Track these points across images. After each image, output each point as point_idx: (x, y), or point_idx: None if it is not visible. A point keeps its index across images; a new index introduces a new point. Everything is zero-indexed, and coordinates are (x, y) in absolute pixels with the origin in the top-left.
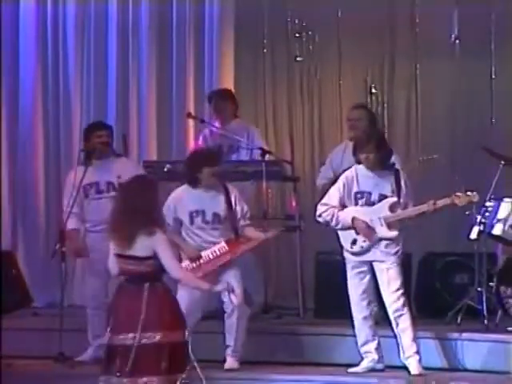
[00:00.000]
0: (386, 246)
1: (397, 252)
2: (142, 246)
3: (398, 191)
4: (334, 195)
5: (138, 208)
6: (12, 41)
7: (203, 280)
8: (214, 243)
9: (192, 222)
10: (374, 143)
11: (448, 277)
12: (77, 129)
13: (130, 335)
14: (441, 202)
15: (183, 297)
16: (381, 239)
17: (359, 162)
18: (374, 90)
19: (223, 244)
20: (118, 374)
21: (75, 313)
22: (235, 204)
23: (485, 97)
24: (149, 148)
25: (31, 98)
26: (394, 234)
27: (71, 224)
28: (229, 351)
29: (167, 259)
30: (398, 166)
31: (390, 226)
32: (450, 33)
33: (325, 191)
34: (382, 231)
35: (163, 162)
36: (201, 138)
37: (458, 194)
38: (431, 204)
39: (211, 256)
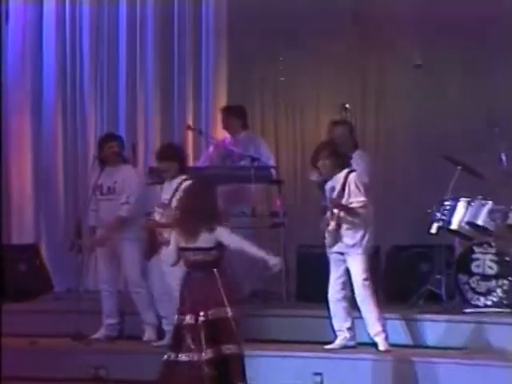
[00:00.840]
0: (347, 239)
1: (356, 244)
2: (205, 239)
3: (342, 191)
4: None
5: (200, 207)
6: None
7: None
8: None
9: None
10: (328, 151)
11: (412, 266)
12: (91, 137)
13: (210, 312)
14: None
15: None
16: (334, 233)
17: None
18: (347, 106)
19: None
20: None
21: (90, 297)
22: None
23: (446, 110)
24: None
25: (53, 111)
26: (333, 226)
27: (91, 221)
28: None
29: (234, 242)
30: (362, 164)
31: (334, 221)
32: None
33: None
34: (331, 226)
35: None
36: (204, 156)
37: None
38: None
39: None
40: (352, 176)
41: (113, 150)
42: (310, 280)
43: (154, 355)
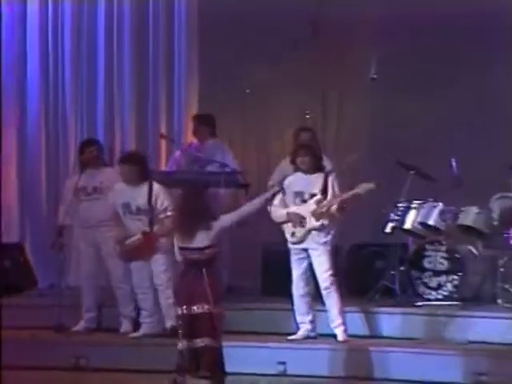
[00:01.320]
0: (317, 237)
1: (326, 242)
2: (201, 239)
3: (325, 190)
4: (276, 201)
5: (195, 210)
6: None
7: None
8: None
9: (124, 213)
10: (307, 149)
11: (369, 263)
12: (72, 143)
13: (197, 307)
14: (348, 193)
15: (135, 276)
16: (311, 230)
17: (297, 168)
18: (307, 115)
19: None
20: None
21: (71, 292)
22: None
23: (401, 119)
24: None
25: (36, 118)
26: (318, 223)
27: (65, 220)
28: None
29: (233, 216)
30: (329, 168)
31: (317, 219)
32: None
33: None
34: (311, 222)
35: None
36: (171, 161)
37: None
38: (337, 198)
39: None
40: (331, 178)
41: (93, 154)
42: (273, 275)
43: (130, 346)
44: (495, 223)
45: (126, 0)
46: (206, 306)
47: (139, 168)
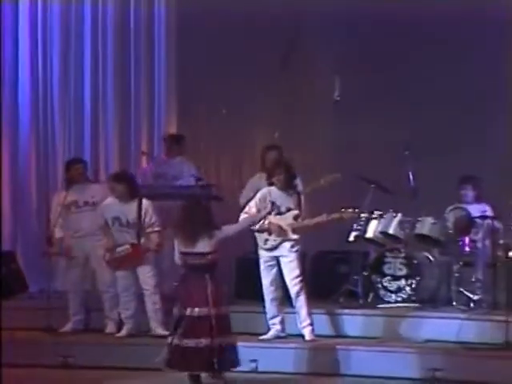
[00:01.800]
0: (290, 245)
1: (297, 250)
2: (204, 245)
3: (298, 206)
4: (252, 206)
5: (198, 219)
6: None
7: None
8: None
9: (113, 224)
10: (283, 168)
11: (333, 268)
12: (60, 160)
13: (196, 309)
14: (333, 216)
15: (120, 281)
16: (285, 240)
17: (271, 184)
18: (276, 135)
19: (128, 246)
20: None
21: (59, 296)
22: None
23: (363, 138)
24: None
25: (27, 138)
26: (296, 236)
27: (59, 233)
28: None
29: (232, 228)
30: (300, 188)
31: (293, 231)
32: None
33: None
34: (289, 234)
35: None
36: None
37: (344, 210)
38: (325, 216)
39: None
40: (301, 196)
41: (78, 172)
42: (246, 281)
43: (114, 345)
44: (449, 232)
45: (109, 26)
46: (206, 309)
47: (130, 185)
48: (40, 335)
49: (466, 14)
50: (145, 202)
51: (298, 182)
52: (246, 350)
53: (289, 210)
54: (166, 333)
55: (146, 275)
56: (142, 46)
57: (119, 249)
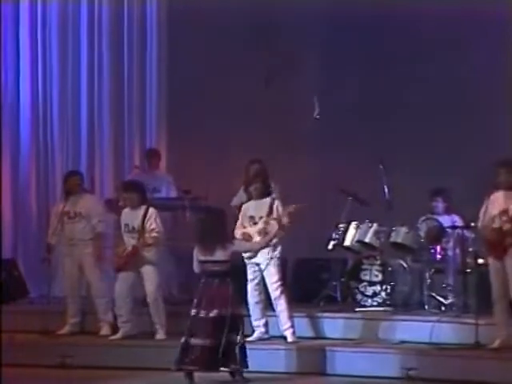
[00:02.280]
0: (266, 253)
1: (274, 257)
2: (220, 254)
3: (270, 213)
4: (239, 225)
5: (216, 231)
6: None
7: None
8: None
9: (124, 230)
10: (260, 179)
11: (314, 275)
12: (59, 172)
13: (215, 311)
14: (283, 212)
15: (118, 286)
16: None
17: (250, 196)
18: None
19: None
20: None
21: (57, 301)
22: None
23: (341, 152)
24: (108, 187)
25: (28, 151)
26: (264, 242)
27: (52, 240)
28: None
29: (244, 246)
30: (275, 194)
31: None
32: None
33: (235, 209)
34: (256, 239)
35: (118, 199)
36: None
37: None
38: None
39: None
40: (277, 202)
41: (75, 183)
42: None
43: (109, 347)
44: (422, 240)
45: (104, 44)
46: (223, 310)
47: (141, 194)
48: (39, 337)
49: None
50: (151, 209)
51: (275, 188)
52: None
53: (261, 218)
54: (165, 337)
55: (148, 279)
56: (134, 69)
57: (126, 252)
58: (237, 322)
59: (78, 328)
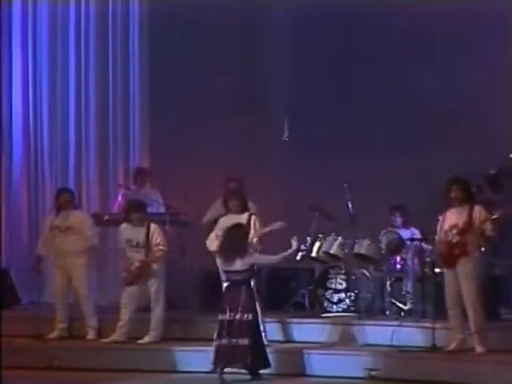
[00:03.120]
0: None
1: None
2: (240, 264)
3: (248, 225)
4: (212, 237)
5: (238, 244)
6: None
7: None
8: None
9: (126, 246)
10: (238, 196)
11: (284, 283)
12: (48, 189)
13: (233, 314)
14: (262, 230)
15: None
16: None
17: (228, 210)
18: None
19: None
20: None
21: (47, 307)
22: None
23: (308, 172)
24: (95, 203)
25: (20, 169)
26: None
27: (41, 251)
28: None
29: (262, 259)
30: (253, 211)
31: None
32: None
33: (207, 225)
34: None
35: (103, 213)
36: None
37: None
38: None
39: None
40: (254, 217)
41: (66, 199)
42: (209, 293)
43: (94, 350)
44: (383, 252)
45: (91, 65)
46: (245, 314)
47: (145, 213)
48: (29, 341)
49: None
50: (153, 225)
51: (252, 205)
52: (209, 354)
53: None
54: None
55: (153, 290)
56: (119, 94)
57: (132, 266)
58: (258, 324)
59: (66, 333)
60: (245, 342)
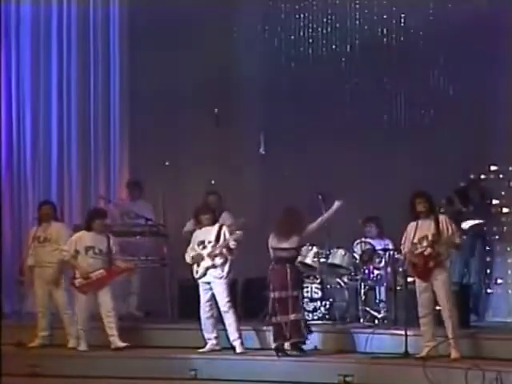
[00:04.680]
0: (215, 273)
1: (222, 276)
2: (292, 242)
3: (218, 237)
4: (189, 247)
5: (295, 221)
6: None
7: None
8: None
9: (86, 253)
10: (211, 210)
11: (261, 292)
12: (30, 201)
13: (283, 292)
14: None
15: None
16: (208, 268)
17: (200, 223)
18: (213, 182)
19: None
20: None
21: (29, 316)
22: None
23: (284, 184)
24: (76, 215)
25: (2, 184)
26: (212, 262)
27: (30, 262)
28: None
29: (316, 224)
30: (227, 222)
31: (212, 258)
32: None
33: (186, 235)
34: (207, 261)
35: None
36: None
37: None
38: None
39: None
40: (224, 228)
41: (47, 211)
42: (187, 302)
43: (74, 357)
44: (357, 261)
45: (72, 77)
46: (291, 291)
47: (106, 221)
48: (12, 349)
49: None
50: (111, 236)
51: (228, 216)
52: (187, 361)
53: (210, 242)
54: (123, 344)
55: (107, 298)
56: (99, 106)
57: (95, 273)
58: (298, 303)
59: (48, 341)
60: (298, 316)
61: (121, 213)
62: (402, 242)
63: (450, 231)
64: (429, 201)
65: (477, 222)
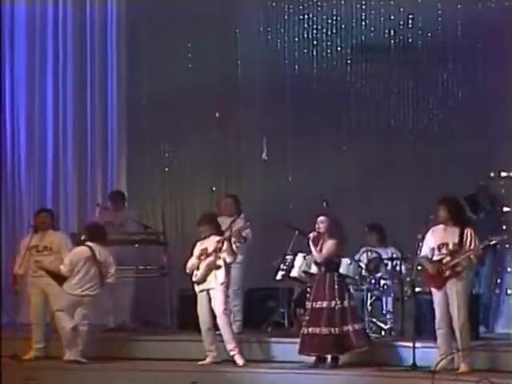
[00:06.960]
0: (215, 279)
1: (223, 283)
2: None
3: (217, 244)
4: (194, 255)
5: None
6: None
7: None
8: None
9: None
10: (208, 220)
11: (263, 303)
12: (26, 208)
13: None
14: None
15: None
16: (209, 273)
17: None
18: (213, 189)
19: None
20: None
21: (24, 328)
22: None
23: (287, 190)
24: (73, 223)
25: None
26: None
27: (19, 271)
28: None
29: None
30: (239, 225)
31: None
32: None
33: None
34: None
35: (81, 233)
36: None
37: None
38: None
39: None
40: (225, 242)
41: (42, 220)
42: (187, 313)
43: (71, 370)
44: (363, 271)
45: (68, 84)
46: (334, 302)
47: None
48: (6, 361)
49: None
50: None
51: (240, 221)
52: (187, 373)
53: (208, 254)
54: (84, 360)
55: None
56: (96, 111)
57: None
58: (337, 315)
59: (43, 353)
60: (358, 326)
61: (104, 222)
62: (421, 246)
63: (472, 245)
64: (453, 208)
65: (499, 238)
